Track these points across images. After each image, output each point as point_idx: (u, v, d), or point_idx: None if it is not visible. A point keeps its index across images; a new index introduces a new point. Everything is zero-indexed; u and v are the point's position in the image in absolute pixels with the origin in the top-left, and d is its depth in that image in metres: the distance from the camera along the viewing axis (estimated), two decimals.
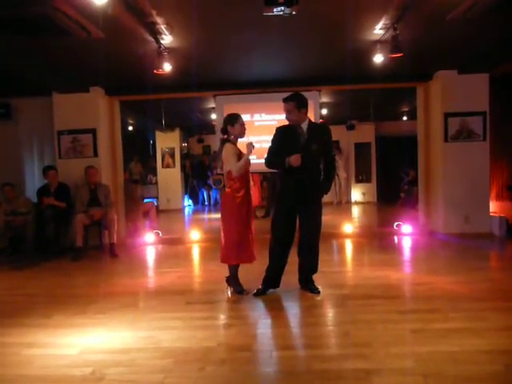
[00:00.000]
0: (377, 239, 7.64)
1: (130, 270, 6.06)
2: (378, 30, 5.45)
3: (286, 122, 4.53)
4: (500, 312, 3.78)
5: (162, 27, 5.07)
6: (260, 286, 4.52)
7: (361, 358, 2.97)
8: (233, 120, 4.50)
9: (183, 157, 14.24)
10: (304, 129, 4.40)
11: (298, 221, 4.49)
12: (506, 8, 4.75)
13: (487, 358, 2.92)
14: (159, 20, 4.87)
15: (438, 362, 2.87)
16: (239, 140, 4.59)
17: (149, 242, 7.79)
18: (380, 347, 3.14)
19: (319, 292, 4.47)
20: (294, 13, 4.12)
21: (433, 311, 3.86)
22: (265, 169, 9.19)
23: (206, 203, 14.70)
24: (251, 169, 4.65)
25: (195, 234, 7.90)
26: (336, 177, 13.62)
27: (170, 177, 13.43)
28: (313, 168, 4.41)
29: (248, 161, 4.43)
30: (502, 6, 4.67)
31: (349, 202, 14.08)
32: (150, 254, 7.27)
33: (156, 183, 13.61)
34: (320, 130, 4.56)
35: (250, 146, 4.39)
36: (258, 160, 8.22)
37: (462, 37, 5.44)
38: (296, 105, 4.34)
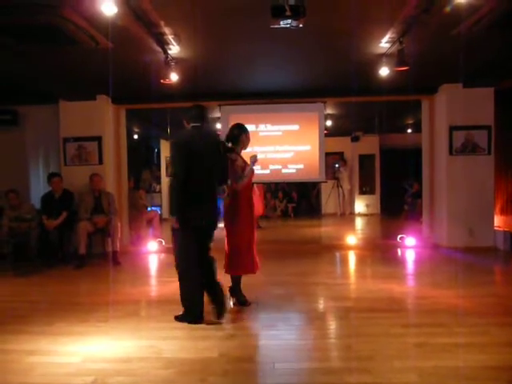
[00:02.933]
0: (380, 251, 7.61)
1: (132, 278, 6.06)
2: (384, 44, 5.48)
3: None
4: (504, 327, 3.76)
5: (170, 37, 5.12)
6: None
7: (364, 372, 2.95)
8: (246, 130, 4.53)
9: None
10: None
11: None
12: (511, 23, 4.78)
13: (491, 374, 2.90)
14: (167, 30, 4.92)
15: (442, 377, 2.85)
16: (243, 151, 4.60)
17: (152, 250, 7.79)
18: (383, 361, 3.12)
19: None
20: (300, 26, 4.14)
21: (437, 325, 3.83)
22: (268, 179, 9.24)
23: None
24: (254, 179, 4.65)
25: None
26: (339, 188, 13.67)
27: None
28: None
29: (251, 173, 4.43)
30: (507, 21, 4.70)
31: (352, 214, 14.05)
32: (153, 263, 7.26)
33: (160, 191, 13.63)
34: None
35: (254, 158, 4.40)
36: (261, 170, 8.27)
37: (468, 51, 5.45)
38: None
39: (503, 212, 8.04)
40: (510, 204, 7.92)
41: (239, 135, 4.50)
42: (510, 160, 7.87)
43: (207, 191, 4.08)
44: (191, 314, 4.04)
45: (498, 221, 7.89)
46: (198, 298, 4.05)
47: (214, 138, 4.30)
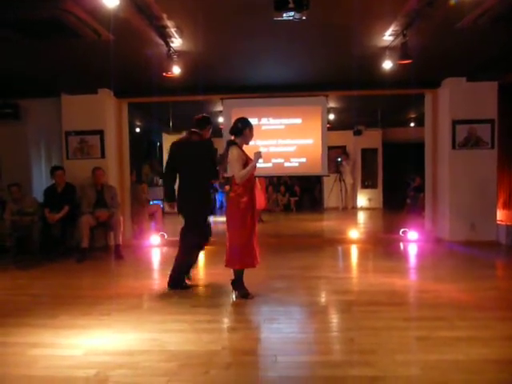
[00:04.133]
0: (382, 245, 7.61)
1: (135, 271, 6.07)
2: (388, 37, 5.45)
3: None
4: (506, 321, 3.76)
5: (172, 30, 5.10)
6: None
7: (366, 365, 2.95)
8: (251, 125, 4.53)
9: None
10: None
11: None
12: None
13: (494, 367, 2.90)
14: (169, 23, 4.90)
15: (444, 371, 2.85)
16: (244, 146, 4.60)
17: (154, 243, 7.80)
18: (385, 354, 3.12)
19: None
20: (303, 18, 4.12)
21: (439, 319, 3.83)
22: (271, 173, 9.24)
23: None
24: (257, 173, 4.64)
25: None
26: (342, 182, 13.67)
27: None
28: None
29: (253, 169, 4.43)
30: (511, 14, 4.67)
31: (355, 208, 14.05)
32: (156, 256, 7.28)
33: (162, 185, 13.62)
34: None
35: (258, 155, 4.39)
36: (264, 164, 8.26)
37: (471, 44, 5.43)
38: None
39: (505, 206, 8.02)
40: None
41: (243, 129, 4.50)
42: None
43: (191, 185, 4.79)
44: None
45: (501, 215, 7.87)
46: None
47: (204, 143, 4.90)
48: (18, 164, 7.94)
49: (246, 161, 4.43)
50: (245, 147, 4.56)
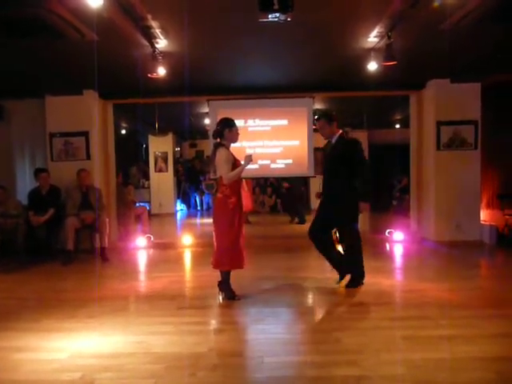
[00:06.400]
0: (368, 246, 7.61)
1: (121, 274, 6.01)
2: (372, 38, 5.49)
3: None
4: (490, 319, 3.80)
5: (157, 31, 5.07)
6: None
7: (352, 365, 2.97)
8: (231, 124, 4.52)
9: (176, 161, 14.23)
10: (332, 142, 4.97)
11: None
12: (498, 18, 4.82)
13: (479, 365, 2.93)
14: (154, 24, 4.87)
15: (430, 369, 2.88)
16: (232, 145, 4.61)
17: (140, 246, 7.75)
18: (371, 354, 3.14)
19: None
20: (288, 19, 4.13)
21: (424, 318, 3.87)
22: (257, 174, 9.22)
23: (199, 208, 14.68)
24: (243, 174, 4.65)
25: (187, 239, 7.87)
26: None
27: (162, 181, 13.38)
28: (330, 178, 4.98)
29: (242, 171, 4.45)
30: (494, 16, 4.74)
31: None
32: (142, 259, 7.23)
33: (148, 187, 13.56)
34: (344, 143, 4.93)
35: (249, 158, 4.40)
36: (250, 165, 8.23)
37: (455, 46, 5.48)
38: (326, 121, 4.91)
39: (489, 206, 8.12)
40: (496, 198, 8.00)
41: (222, 131, 4.51)
42: (497, 155, 7.94)
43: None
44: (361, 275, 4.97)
45: (484, 215, 7.97)
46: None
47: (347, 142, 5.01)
48: (1, 166, 7.83)
49: (234, 162, 4.44)
50: (233, 150, 4.56)
